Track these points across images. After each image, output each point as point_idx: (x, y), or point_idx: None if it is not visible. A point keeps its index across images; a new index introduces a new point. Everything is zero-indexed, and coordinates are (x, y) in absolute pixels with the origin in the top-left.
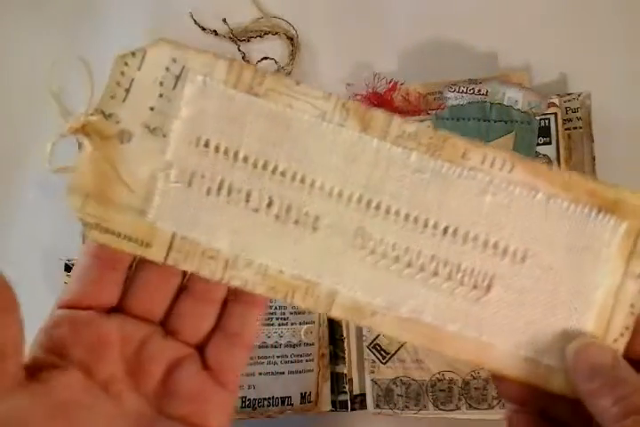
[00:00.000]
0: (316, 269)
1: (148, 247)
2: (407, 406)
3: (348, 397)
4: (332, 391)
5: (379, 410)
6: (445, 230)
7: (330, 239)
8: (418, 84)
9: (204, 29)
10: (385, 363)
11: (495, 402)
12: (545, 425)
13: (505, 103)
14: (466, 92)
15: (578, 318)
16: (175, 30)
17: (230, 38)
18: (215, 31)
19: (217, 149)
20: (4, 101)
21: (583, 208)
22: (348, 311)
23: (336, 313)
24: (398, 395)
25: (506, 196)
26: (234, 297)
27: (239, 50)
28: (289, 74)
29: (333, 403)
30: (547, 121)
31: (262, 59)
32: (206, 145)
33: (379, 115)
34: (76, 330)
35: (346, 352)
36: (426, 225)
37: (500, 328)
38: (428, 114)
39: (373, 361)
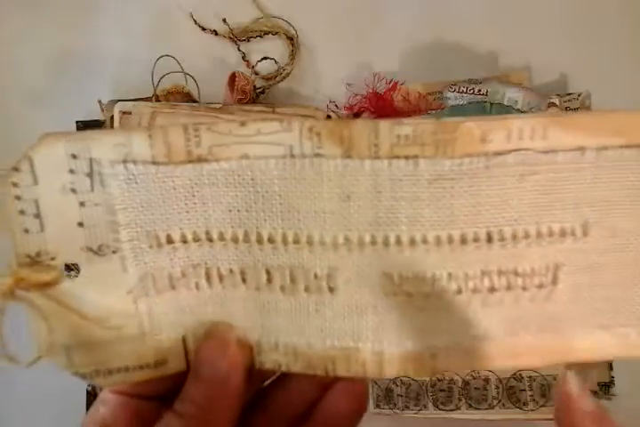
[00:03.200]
0: (350, 332)
1: (164, 365)
2: (407, 406)
3: None
4: None
5: (379, 410)
6: (489, 238)
7: (355, 296)
8: (418, 84)
9: (204, 29)
10: None
11: (495, 402)
12: None
13: (505, 103)
14: (466, 92)
15: None
16: (175, 30)
17: (230, 38)
18: (215, 31)
19: (184, 239)
20: (2, 100)
21: None
22: (403, 367)
23: (391, 372)
24: (398, 395)
25: (548, 170)
26: None
27: (239, 50)
28: (289, 74)
29: None
30: None
31: (262, 59)
32: (170, 241)
33: (359, 126)
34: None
35: None
36: (464, 241)
37: (578, 316)
38: (428, 114)
39: None
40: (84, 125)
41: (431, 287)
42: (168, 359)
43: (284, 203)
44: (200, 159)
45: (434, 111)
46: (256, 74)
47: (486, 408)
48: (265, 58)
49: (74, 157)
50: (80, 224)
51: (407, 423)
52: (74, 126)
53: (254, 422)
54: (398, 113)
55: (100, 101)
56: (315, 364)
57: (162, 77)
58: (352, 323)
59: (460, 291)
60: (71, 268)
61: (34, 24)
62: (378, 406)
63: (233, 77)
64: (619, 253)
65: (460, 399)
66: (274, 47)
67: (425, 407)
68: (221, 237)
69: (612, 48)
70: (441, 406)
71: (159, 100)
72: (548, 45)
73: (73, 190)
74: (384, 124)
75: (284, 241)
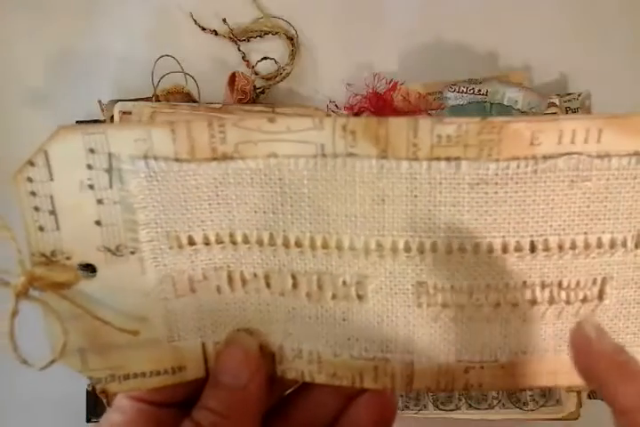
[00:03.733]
0: (379, 343)
1: (182, 371)
2: (407, 406)
3: None
4: None
5: None
6: (533, 247)
7: (385, 305)
8: (418, 84)
9: (204, 29)
10: None
11: (495, 402)
12: None
13: (505, 103)
14: (466, 92)
15: None
16: (175, 30)
17: (230, 38)
18: (215, 31)
19: (206, 240)
20: (2, 100)
21: None
22: (434, 380)
23: (420, 385)
24: (398, 395)
25: (601, 176)
26: None
27: (239, 50)
28: (289, 74)
29: None
30: None
31: (262, 59)
32: (191, 242)
33: (397, 125)
34: None
35: None
36: (505, 250)
37: (624, 333)
38: (429, 114)
39: None
40: None
41: (468, 299)
42: (187, 366)
43: (314, 205)
44: (225, 157)
45: (434, 111)
46: (256, 74)
47: (486, 408)
48: (265, 58)
49: (92, 151)
50: (97, 223)
51: (407, 423)
52: None
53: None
54: (398, 113)
55: (100, 101)
56: (340, 374)
57: (162, 77)
58: (381, 333)
59: (498, 304)
60: (89, 268)
61: (34, 24)
62: None
63: (233, 77)
64: None
65: (460, 399)
66: (274, 47)
67: (425, 407)
68: (246, 240)
69: (612, 48)
70: (441, 406)
71: (159, 100)
72: (548, 45)
73: (90, 187)
74: (425, 123)
75: (312, 245)
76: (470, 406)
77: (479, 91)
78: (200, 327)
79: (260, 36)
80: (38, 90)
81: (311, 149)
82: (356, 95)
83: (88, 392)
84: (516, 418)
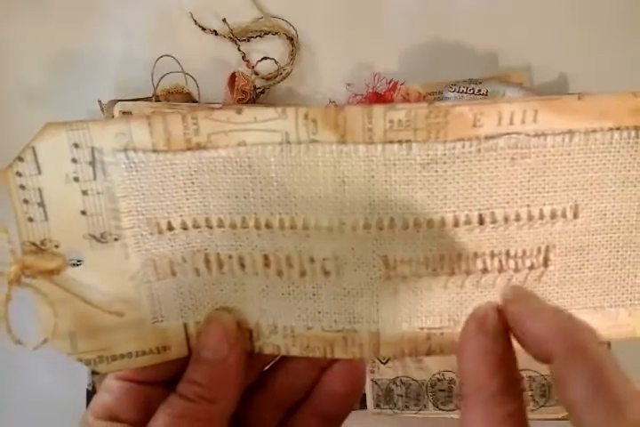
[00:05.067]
0: (347, 314)
1: (166, 351)
2: (407, 406)
3: None
4: None
5: (379, 410)
6: (481, 220)
7: (350, 279)
8: (418, 84)
9: (204, 29)
10: (385, 363)
11: None
12: None
13: None
14: (466, 92)
15: None
16: (175, 30)
17: (230, 38)
18: (215, 31)
19: (184, 226)
20: (3, 100)
21: (629, 133)
22: (399, 347)
23: (387, 353)
24: (398, 395)
25: (538, 153)
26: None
27: (239, 50)
28: (289, 74)
29: None
30: None
31: (262, 59)
32: (170, 228)
33: (353, 112)
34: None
35: None
36: (456, 224)
37: (569, 297)
38: None
39: (373, 361)
40: None
41: (425, 269)
42: (170, 345)
43: (281, 189)
44: (199, 147)
45: None
46: (256, 74)
47: None
48: (265, 58)
49: (76, 146)
50: (83, 212)
51: (407, 423)
52: None
53: (256, 403)
54: None
55: (99, 101)
56: (313, 346)
57: (162, 77)
58: (348, 305)
59: (453, 273)
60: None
61: (35, 24)
62: (378, 406)
63: (233, 77)
64: (608, 235)
65: (460, 399)
66: (274, 47)
67: (425, 407)
68: (220, 224)
69: (612, 48)
70: (441, 406)
71: (159, 100)
72: (548, 45)
73: (76, 179)
74: (378, 110)
75: (281, 226)
76: None
77: (479, 91)
78: (181, 308)
79: (259, 36)
80: (38, 90)
81: (277, 137)
82: (356, 95)
83: (88, 392)
84: None
